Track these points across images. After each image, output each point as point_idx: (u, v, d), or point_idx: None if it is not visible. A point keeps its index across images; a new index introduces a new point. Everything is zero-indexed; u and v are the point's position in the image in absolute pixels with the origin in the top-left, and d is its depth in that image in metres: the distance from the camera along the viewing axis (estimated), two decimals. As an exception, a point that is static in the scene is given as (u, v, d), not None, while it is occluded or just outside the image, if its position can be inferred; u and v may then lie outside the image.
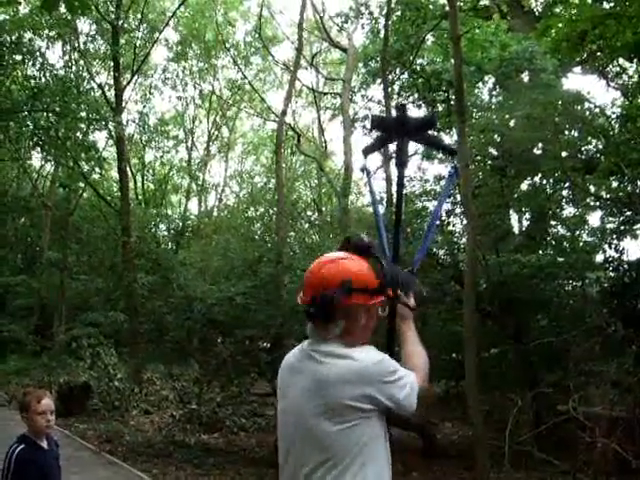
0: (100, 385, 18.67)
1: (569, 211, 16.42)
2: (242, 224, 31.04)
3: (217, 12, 35.31)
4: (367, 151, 3.88)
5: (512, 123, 15.78)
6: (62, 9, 23.95)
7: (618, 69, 18.82)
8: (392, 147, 3.64)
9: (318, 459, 2.74)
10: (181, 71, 37.71)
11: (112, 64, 26.77)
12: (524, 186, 16.55)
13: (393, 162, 3.69)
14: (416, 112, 23.47)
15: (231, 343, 15.46)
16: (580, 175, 15.03)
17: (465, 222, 13.63)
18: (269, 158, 41.67)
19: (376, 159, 21.35)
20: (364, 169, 3.90)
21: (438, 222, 15.37)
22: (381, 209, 16.26)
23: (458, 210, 15.23)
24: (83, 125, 23.54)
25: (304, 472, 2.79)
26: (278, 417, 3.06)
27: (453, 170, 3.84)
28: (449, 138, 22.59)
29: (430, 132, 3.72)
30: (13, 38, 19.91)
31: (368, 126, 25.62)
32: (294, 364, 3.02)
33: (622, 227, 14.41)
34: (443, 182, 15.33)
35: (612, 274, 14.06)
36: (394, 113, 3.49)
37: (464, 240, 14.20)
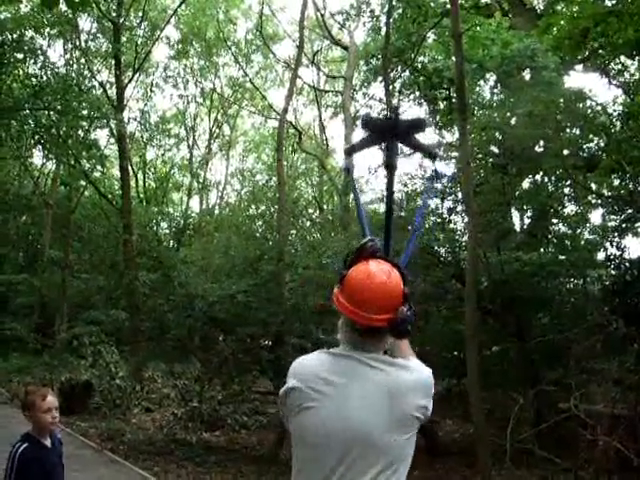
0: (101, 383, 18.68)
1: (570, 209, 16.43)
2: (243, 222, 31.07)
3: (218, 10, 35.30)
4: (350, 151, 3.92)
5: (513, 121, 15.78)
6: (63, 7, 24.07)
7: (620, 67, 18.80)
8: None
9: (377, 469, 2.70)
10: (182, 69, 37.78)
11: (113, 62, 26.79)
12: (525, 184, 16.55)
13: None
14: (417, 110, 23.50)
15: (232, 341, 15.48)
16: (581, 173, 15.03)
17: (466, 220, 13.63)
18: (270, 156, 41.66)
19: (379, 158, 21.29)
20: (347, 168, 3.94)
21: (439, 220, 15.40)
22: (382, 207, 16.26)
23: (459, 208, 15.24)
24: (84, 123, 23.57)
25: None
26: (312, 424, 2.82)
27: (435, 175, 3.89)
28: (450, 136, 22.62)
29: (417, 134, 3.73)
30: (14, 36, 19.92)
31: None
32: (342, 369, 2.83)
33: (623, 225, 14.42)
34: (444, 180, 15.33)
35: (613, 272, 14.06)
36: (389, 114, 3.51)
37: (465, 238, 14.20)
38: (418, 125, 3.70)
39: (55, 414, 4.81)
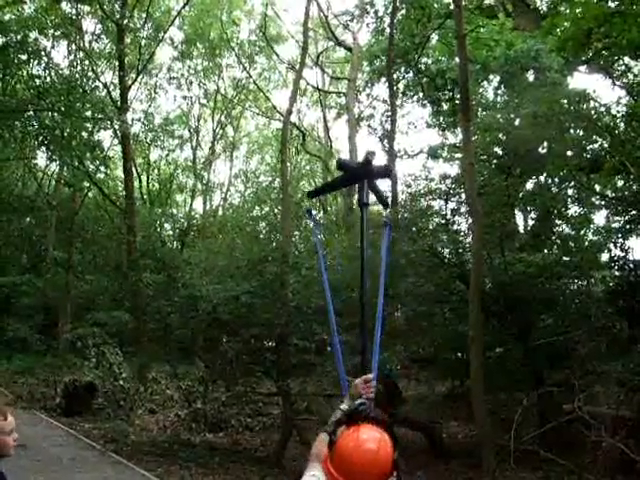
0: (105, 384, 18.68)
1: (574, 210, 16.40)
2: (247, 223, 31.06)
3: (222, 11, 35.31)
4: (313, 194, 4.27)
5: (517, 122, 15.76)
6: (67, 8, 24.14)
7: (623, 68, 18.77)
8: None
9: None
10: (186, 70, 37.77)
11: (117, 63, 26.81)
12: (529, 185, 16.55)
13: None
14: (420, 111, 23.51)
15: (236, 342, 15.46)
16: (585, 174, 15.02)
17: (470, 221, 13.62)
18: (274, 157, 41.68)
19: (382, 158, 21.32)
20: (309, 211, 4.25)
21: (443, 222, 15.36)
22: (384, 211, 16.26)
23: (463, 209, 15.21)
24: (88, 124, 23.56)
25: None
26: None
27: (387, 223, 4.16)
28: (454, 137, 22.62)
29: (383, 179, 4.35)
30: (18, 38, 19.90)
31: (373, 125, 25.67)
32: None
33: (627, 226, 14.40)
34: (448, 182, 15.32)
35: (617, 273, 14.05)
36: (365, 158, 3.92)
37: (469, 239, 14.19)
38: (386, 172, 4.33)
39: (16, 435, 3.99)
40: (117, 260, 30.77)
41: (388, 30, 21.65)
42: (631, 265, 13.46)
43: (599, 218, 20.20)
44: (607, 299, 14.03)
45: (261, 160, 46.21)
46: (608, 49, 15.32)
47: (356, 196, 25.65)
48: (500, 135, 15.67)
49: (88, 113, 22.28)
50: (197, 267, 19.56)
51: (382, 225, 4.30)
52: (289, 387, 15.09)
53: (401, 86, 24.29)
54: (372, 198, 4.24)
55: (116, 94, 27.14)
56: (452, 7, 15.03)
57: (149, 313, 18.59)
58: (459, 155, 16.97)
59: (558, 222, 16.67)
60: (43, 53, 21.65)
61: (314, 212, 4.30)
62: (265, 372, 15.97)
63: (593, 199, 15.74)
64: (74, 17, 25.35)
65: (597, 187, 16.05)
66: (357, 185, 4.09)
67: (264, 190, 37.70)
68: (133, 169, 29.60)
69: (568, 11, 17.63)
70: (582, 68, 19.30)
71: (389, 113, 22.53)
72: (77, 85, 22.72)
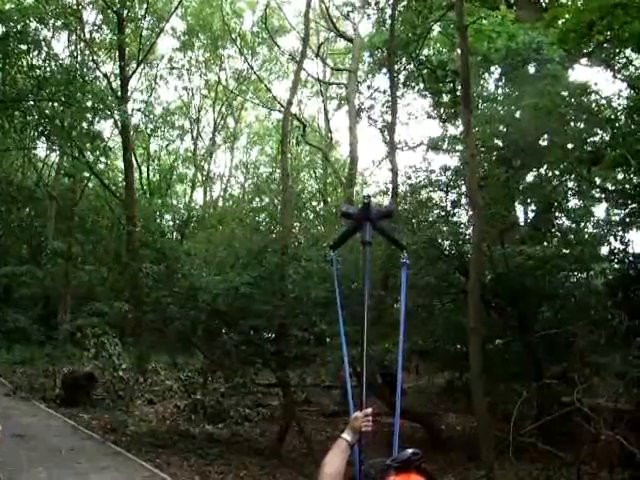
0: (104, 375, 18.70)
1: (574, 203, 16.36)
2: (247, 214, 31.05)
3: (224, 1, 35.22)
4: (335, 246, 4.58)
5: (518, 114, 15.73)
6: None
7: (624, 60, 18.73)
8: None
9: None
10: (187, 61, 37.74)
11: (117, 54, 26.77)
12: (530, 177, 16.50)
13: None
14: (421, 102, 23.47)
15: (236, 333, 15.46)
16: (586, 167, 14.98)
17: (470, 213, 13.60)
18: (274, 148, 41.65)
19: (382, 149, 21.30)
20: (331, 260, 4.52)
21: (443, 213, 15.35)
22: (386, 200, 16.24)
23: (463, 201, 15.20)
24: (88, 114, 23.50)
25: None
26: None
27: (406, 262, 4.28)
28: (455, 129, 22.58)
29: (388, 222, 4.63)
30: (18, 27, 19.82)
31: (373, 116, 25.63)
32: None
33: (628, 219, 14.37)
34: (449, 173, 15.29)
35: (617, 266, 14.04)
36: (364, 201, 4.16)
37: (469, 231, 14.17)
38: (388, 214, 4.46)
39: None
40: (117, 251, 30.78)
41: (389, 21, 21.57)
42: (631, 258, 13.46)
43: (599, 211, 20.16)
44: (607, 292, 14.03)
45: (261, 151, 46.16)
46: (609, 41, 15.29)
47: (356, 188, 25.68)
48: (501, 127, 15.64)
49: (88, 103, 22.21)
50: (197, 258, 19.57)
51: (400, 266, 4.40)
52: (288, 378, 15.12)
53: (402, 77, 24.23)
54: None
55: (116, 84, 27.10)
56: (453, -2, 14.98)
57: (149, 304, 18.60)
58: (460, 147, 16.93)
59: (558, 214, 16.64)
60: (43, 43, 21.56)
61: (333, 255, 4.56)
62: (264, 363, 15.98)
63: (593, 192, 15.71)
64: (74, 7, 25.28)
65: (597, 180, 15.99)
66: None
67: (264, 181, 37.68)
68: (133, 160, 29.58)
69: (570, 3, 17.60)
70: (583, 61, 19.26)
71: (389, 104, 22.50)
72: (77, 75, 22.62)
